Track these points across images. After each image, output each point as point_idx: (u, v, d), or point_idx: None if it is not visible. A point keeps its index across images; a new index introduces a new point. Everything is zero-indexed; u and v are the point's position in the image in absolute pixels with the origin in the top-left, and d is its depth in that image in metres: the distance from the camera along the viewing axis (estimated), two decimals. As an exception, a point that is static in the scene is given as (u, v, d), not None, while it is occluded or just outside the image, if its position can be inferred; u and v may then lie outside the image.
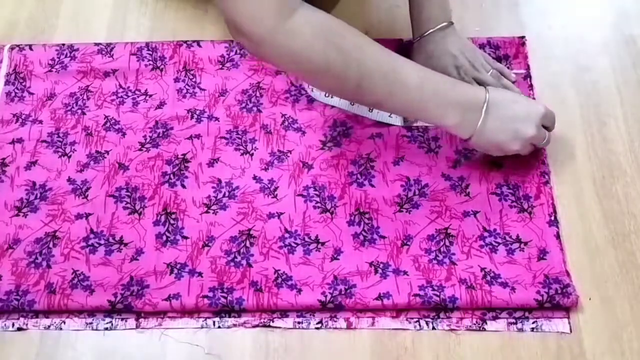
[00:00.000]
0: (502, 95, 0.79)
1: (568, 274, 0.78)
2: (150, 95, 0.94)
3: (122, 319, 0.78)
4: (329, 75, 0.72)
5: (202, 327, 0.77)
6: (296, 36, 0.69)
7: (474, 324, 0.76)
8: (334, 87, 0.77)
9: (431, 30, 0.88)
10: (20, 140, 0.91)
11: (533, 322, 0.76)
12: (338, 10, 1.01)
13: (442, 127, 0.82)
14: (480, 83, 0.87)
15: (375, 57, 0.74)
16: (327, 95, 0.90)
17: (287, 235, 0.82)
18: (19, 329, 0.78)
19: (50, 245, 0.82)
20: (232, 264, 0.80)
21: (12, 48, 0.99)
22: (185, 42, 0.98)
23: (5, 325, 0.78)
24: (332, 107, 0.91)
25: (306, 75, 0.77)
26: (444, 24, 0.88)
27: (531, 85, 0.92)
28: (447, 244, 0.80)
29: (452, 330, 0.76)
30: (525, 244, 0.80)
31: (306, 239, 0.82)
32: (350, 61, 0.72)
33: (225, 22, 0.70)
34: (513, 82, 0.90)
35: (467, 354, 0.75)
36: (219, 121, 0.91)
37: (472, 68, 0.88)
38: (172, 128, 0.91)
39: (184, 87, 0.94)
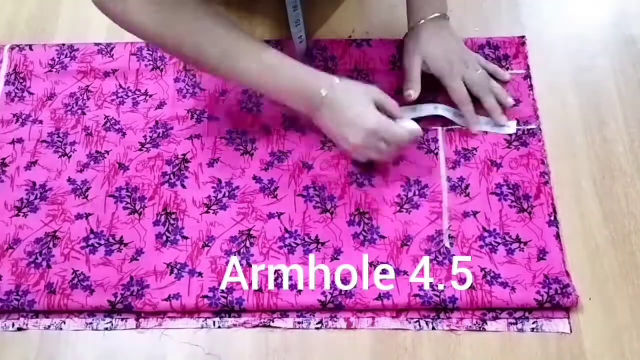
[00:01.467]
0: (340, 98, 0.79)
1: (568, 274, 0.78)
2: (150, 95, 0.94)
3: (122, 319, 0.78)
4: (167, 50, 0.86)
5: (202, 327, 0.77)
6: (133, 19, 0.77)
7: (474, 324, 0.76)
8: (174, 55, 0.88)
9: (423, 20, 0.88)
10: (20, 140, 0.91)
11: (533, 322, 0.76)
12: (338, 10, 1.01)
13: None
14: (468, 81, 0.87)
15: (214, 42, 0.79)
16: None
17: (287, 235, 0.82)
18: (19, 329, 0.78)
19: (50, 245, 0.82)
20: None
21: (12, 48, 0.99)
22: (185, 42, 0.98)
23: (5, 325, 0.78)
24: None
25: (149, 43, 0.89)
26: (438, 14, 0.88)
27: (531, 86, 0.92)
28: (448, 245, 0.80)
29: (452, 330, 0.76)
30: (525, 244, 0.80)
31: (306, 239, 0.82)
32: (186, 44, 0.79)
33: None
34: (507, 82, 0.90)
35: (467, 354, 0.75)
36: (219, 121, 0.91)
37: (462, 65, 0.88)
38: (172, 128, 0.91)
39: (184, 87, 0.94)
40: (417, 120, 0.85)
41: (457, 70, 0.87)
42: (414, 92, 0.88)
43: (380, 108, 0.80)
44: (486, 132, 0.88)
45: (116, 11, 0.77)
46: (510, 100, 0.89)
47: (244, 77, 0.81)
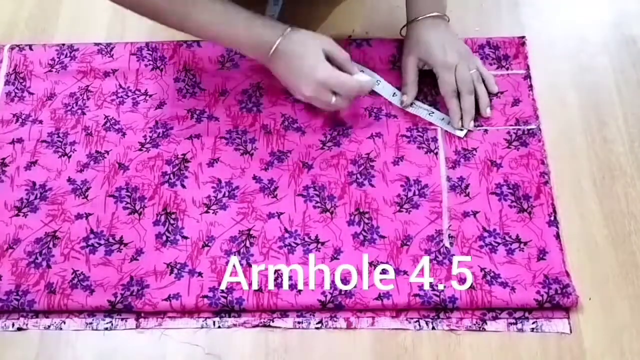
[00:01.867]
0: (293, 47, 0.82)
1: (568, 274, 0.78)
2: (150, 95, 0.94)
3: (122, 319, 0.78)
4: (123, 4, 0.83)
5: (202, 327, 0.77)
6: None
7: (474, 324, 0.76)
8: (130, 9, 0.83)
9: (422, 17, 0.89)
10: (20, 140, 0.91)
11: (533, 323, 0.76)
12: (338, 10, 1.01)
13: None
14: (458, 75, 0.87)
15: None
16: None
17: (287, 235, 0.82)
18: (19, 329, 0.78)
19: (50, 245, 0.82)
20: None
21: (12, 48, 0.99)
22: (185, 42, 0.98)
23: (5, 325, 0.78)
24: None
25: None
26: (437, 13, 0.89)
27: (531, 86, 0.92)
28: (448, 245, 0.80)
29: (452, 330, 0.76)
30: (525, 244, 0.80)
31: (306, 239, 0.82)
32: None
33: None
34: (495, 95, 0.90)
35: (467, 354, 0.75)
36: (219, 121, 0.91)
37: (457, 56, 0.87)
38: (172, 128, 0.91)
39: (184, 87, 0.94)
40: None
41: (451, 60, 0.87)
42: (407, 97, 0.89)
43: (331, 59, 0.83)
44: (486, 132, 0.88)
45: None
46: (488, 112, 0.89)
47: (199, 27, 0.83)
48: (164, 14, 0.82)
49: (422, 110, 0.90)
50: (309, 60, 0.82)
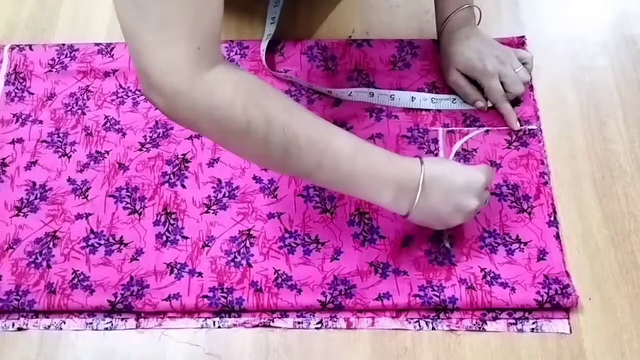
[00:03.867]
0: (440, 167, 0.71)
1: (568, 274, 0.78)
2: (150, 95, 0.94)
3: (122, 319, 0.78)
4: (251, 138, 0.63)
5: (202, 327, 0.77)
6: (215, 90, 0.61)
7: (474, 325, 0.76)
8: (256, 153, 0.66)
9: (452, 15, 0.88)
10: (20, 140, 0.91)
11: (533, 323, 0.76)
12: (338, 10, 1.01)
13: (377, 204, 0.73)
14: (503, 78, 0.86)
15: (303, 122, 0.66)
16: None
17: (287, 235, 0.82)
18: (19, 329, 0.78)
19: (50, 245, 0.82)
20: (232, 264, 0.80)
21: (12, 48, 0.99)
22: (185, 42, 0.97)
23: (5, 325, 0.78)
24: (332, 107, 0.91)
25: (226, 137, 0.66)
26: (466, 5, 0.88)
27: (531, 86, 0.92)
28: (448, 245, 0.80)
29: (452, 330, 0.76)
30: (525, 244, 0.80)
31: (306, 239, 0.82)
32: (275, 123, 0.63)
33: (137, 74, 0.63)
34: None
35: (467, 354, 0.75)
36: (219, 121, 0.91)
37: (496, 61, 0.86)
38: (172, 128, 0.91)
39: (184, 87, 0.94)
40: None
41: (491, 69, 0.86)
42: (481, 103, 0.89)
43: None
44: (487, 132, 0.88)
45: (187, 90, 0.60)
46: (513, 117, 0.88)
47: (334, 165, 0.67)
48: (295, 138, 0.65)
49: (444, 102, 0.90)
50: (461, 170, 0.72)
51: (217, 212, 0.84)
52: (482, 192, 0.74)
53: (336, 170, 0.67)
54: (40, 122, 0.92)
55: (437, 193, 0.70)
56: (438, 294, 0.76)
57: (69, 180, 0.87)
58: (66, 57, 0.97)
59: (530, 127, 0.88)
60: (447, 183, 0.71)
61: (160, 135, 0.90)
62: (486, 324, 0.76)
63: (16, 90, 0.95)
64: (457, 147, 0.87)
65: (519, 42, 0.96)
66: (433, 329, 0.76)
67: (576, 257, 0.80)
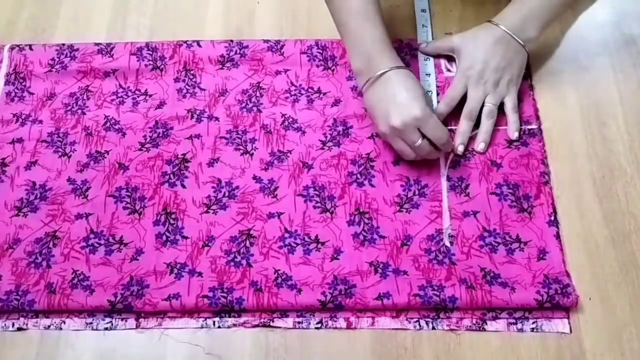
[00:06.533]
0: (399, 79, 0.81)
1: (568, 274, 0.78)
2: (150, 95, 0.94)
3: (122, 319, 0.78)
4: None
5: (202, 327, 0.77)
6: None
7: (474, 324, 0.76)
8: None
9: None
10: (20, 140, 0.91)
11: (533, 322, 0.76)
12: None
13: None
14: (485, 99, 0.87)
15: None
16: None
17: (287, 235, 0.82)
18: (19, 329, 0.78)
19: (50, 245, 0.82)
20: (232, 264, 0.80)
21: (12, 48, 0.99)
22: (185, 42, 0.98)
23: (5, 325, 0.78)
24: (332, 106, 0.91)
25: None
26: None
27: (531, 86, 0.92)
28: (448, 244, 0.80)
29: (452, 330, 0.76)
30: (525, 244, 0.80)
31: (306, 238, 0.82)
32: None
33: None
34: (514, 140, 0.87)
35: (467, 354, 0.75)
36: (219, 121, 0.91)
37: (495, 74, 0.87)
38: (172, 128, 0.91)
39: (184, 87, 0.94)
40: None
41: (488, 78, 0.87)
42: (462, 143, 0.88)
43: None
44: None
45: None
46: (482, 147, 0.87)
47: (335, 13, 0.85)
48: None
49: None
50: (412, 93, 0.80)
51: (217, 212, 0.84)
52: (411, 127, 0.79)
53: (338, 13, 0.85)
54: (40, 122, 0.92)
55: (381, 92, 0.81)
56: (438, 293, 0.76)
57: (68, 180, 0.87)
58: (66, 57, 0.97)
59: (530, 127, 0.88)
60: (391, 91, 0.80)
61: (160, 135, 0.90)
62: (486, 323, 0.76)
63: (16, 90, 0.95)
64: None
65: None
66: (433, 328, 0.76)
67: (576, 257, 0.80)
